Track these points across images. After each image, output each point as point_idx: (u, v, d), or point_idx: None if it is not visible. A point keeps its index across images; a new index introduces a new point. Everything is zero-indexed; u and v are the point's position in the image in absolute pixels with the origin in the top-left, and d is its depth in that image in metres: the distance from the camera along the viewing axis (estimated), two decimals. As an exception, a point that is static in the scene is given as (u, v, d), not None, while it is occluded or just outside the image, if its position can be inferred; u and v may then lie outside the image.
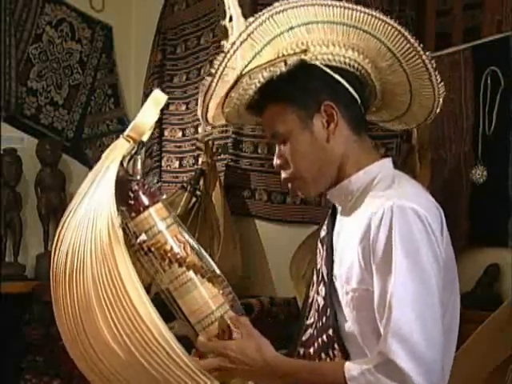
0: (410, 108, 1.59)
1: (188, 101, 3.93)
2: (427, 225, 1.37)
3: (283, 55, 1.47)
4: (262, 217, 3.50)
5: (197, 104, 4.28)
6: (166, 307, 1.50)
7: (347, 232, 1.48)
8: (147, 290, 1.52)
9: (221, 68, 1.43)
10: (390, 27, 1.47)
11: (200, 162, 3.58)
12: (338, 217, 1.55)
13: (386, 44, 1.48)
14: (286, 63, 1.47)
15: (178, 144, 3.99)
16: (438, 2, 2.75)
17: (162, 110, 4.55)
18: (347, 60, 1.50)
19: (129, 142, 1.53)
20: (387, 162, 1.53)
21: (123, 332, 1.45)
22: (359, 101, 1.51)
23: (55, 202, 3.86)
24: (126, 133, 1.53)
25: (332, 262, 1.50)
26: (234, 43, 1.42)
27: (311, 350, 1.49)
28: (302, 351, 1.52)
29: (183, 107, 3.95)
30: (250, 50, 1.44)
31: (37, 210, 3.94)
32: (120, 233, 1.46)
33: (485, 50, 2.56)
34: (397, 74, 1.52)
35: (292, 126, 1.50)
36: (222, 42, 1.47)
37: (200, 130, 3.83)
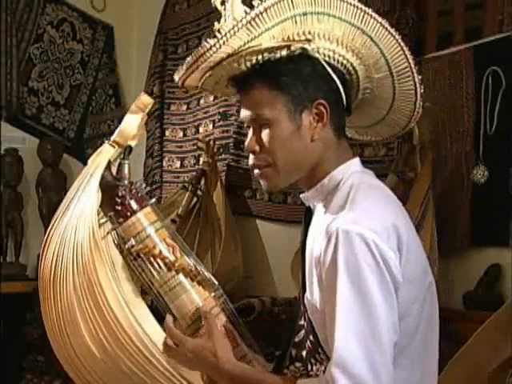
0: (380, 123, 1.58)
1: (189, 101, 3.92)
2: (374, 248, 1.32)
3: (288, 39, 1.42)
4: (263, 217, 3.50)
5: (198, 104, 4.27)
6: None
7: (315, 243, 1.44)
8: (145, 292, 1.52)
9: (227, 35, 1.38)
10: (394, 40, 1.45)
11: (201, 161, 3.57)
12: (315, 218, 1.51)
13: (386, 56, 1.46)
14: (288, 49, 1.42)
15: (179, 144, 3.99)
16: (439, 1, 2.74)
17: (162, 110, 4.51)
18: (344, 61, 1.47)
19: (114, 147, 1.52)
20: (353, 165, 1.49)
21: (104, 340, 1.46)
22: (345, 104, 1.48)
23: (56, 201, 3.82)
24: (111, 138, 1.53)
25: (304, 269, 1.47)
26: (248, 14, 1.37)
27: (303, 353, 1.48)
28: (294, 352, 1.51)
29: (184, 107, 3.95)
30: (261, 25, 1.38)
31: (38, 210, 3.94)
32: (101, 243, 1.46)
33: (486, 50, 2.56)
34: (384, 88, 1.50)
35: (280, 115, 1.44)
36: (215, 25, 1.41)
37: (201, 129, 3.84)
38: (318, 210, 1.50)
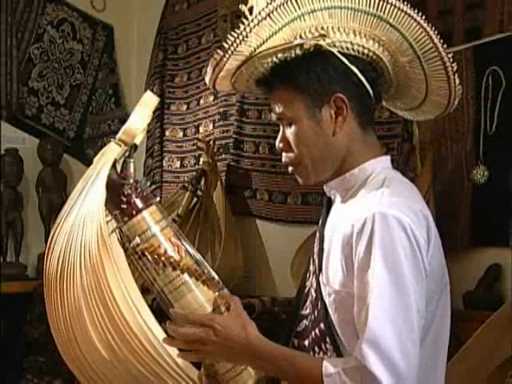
0: (424, 103, 1.58)
1: (189, 101, 3.92)
2: (410, 233, 1.34)
3: (301, 37, 1.44)
4: (263, 217, 3.50)
5: (198, 104, 4.27)
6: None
7: (338, 229, 1.46)
8: (148, 291, 1.52)
9: (234, 44, 1.41)
10: (415, 23, 1.43)
11: (201, 161, 3.57)
12: (334, 208, 1.54)
13: (409, 40, 1.45)
14: (302, 47, 1.44)
15: (180, 144, 3.99)
16: (439, 1, 2.74)
17: (162, 110, 4.52)
18: (366, 50, 1.47)
19: (120, 146, 1.52)
20: (384, 161, 1.51)
21: (112, 339, 1.46)
22: (372, 93, 1.49)
23: (56, 201, 3.86)
24: (117, 137, 1.53)
25: (322, 254, 1.49)
26: (251, 21, 1.39)
27: (306, 343, 1.48)
28: (296, 342, 1.51)
29: (184, 107, 3.95)
30: (268, 29, 1.41)
31: (38, 210, 3.94)
32: (109, 241, 1.46)
33: (486, 50, 2.56)
34: (415, 70, 1.50)
35: (299, 113, 1.47)
36: (242, 11, 1.43)
37: (201, 129, 3.84)
38: (340, 199, 1.52)
